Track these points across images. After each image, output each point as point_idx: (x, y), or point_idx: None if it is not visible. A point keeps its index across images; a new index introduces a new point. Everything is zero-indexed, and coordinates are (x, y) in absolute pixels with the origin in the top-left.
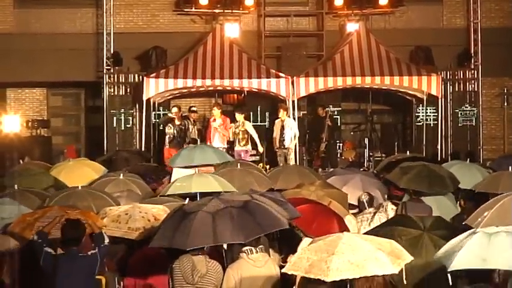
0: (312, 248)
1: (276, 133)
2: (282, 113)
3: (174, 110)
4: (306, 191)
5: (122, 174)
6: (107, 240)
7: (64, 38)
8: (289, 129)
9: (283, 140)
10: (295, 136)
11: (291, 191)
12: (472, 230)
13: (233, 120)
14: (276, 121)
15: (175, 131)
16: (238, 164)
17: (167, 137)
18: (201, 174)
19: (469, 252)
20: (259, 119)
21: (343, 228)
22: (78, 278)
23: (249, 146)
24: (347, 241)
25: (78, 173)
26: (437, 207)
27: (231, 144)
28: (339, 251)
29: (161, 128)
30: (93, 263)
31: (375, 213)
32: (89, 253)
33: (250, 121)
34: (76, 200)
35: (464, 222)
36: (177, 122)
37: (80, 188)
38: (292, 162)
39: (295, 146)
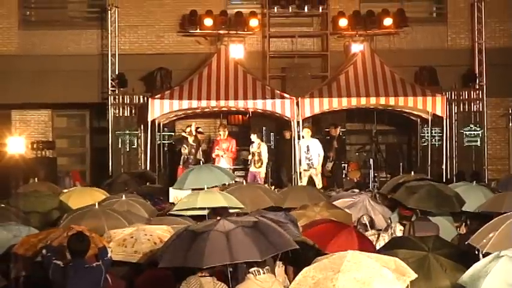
0: (316, 267)
1: (301, 154)
2: (306, 134)
3: (189, 129)
4: (310, 211)
5: (123, 196)
6: (109, 254)
7: (69, 59)
8: (315, 149)
9: (311, 160)
10: (319, 156)
11: (295, 212)
12: (495, 254)
13: (242, 141)
14: (300, 142)
15: (190, 150)
16: (244, 182)
17: (182, 157)
18: (208, 191)
19: (495, 277)
20: (264, 139)
21: (367, 246)
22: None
23: (263, 169)
24: (352, 259)
25: (86, 197)
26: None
27: (244, 164)
28: (344, 269)
29: (166, 149)
30: (99, 274)
31: (379, 235)
32: (94, 265)
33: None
34: (90, 218)
35: (468, 241)
36: (190, 141)
37: (96, 206)
38: (320, 183)
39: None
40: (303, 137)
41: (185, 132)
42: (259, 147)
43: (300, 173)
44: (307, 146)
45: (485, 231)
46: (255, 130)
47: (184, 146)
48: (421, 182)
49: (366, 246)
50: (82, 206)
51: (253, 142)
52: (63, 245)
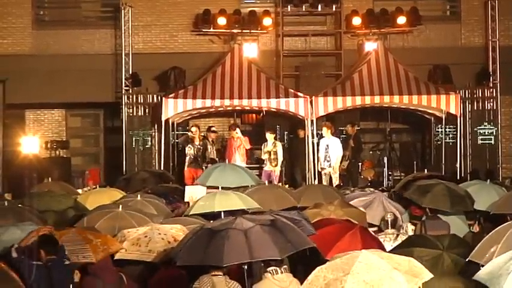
0: (329, 266)
1: (321, 152)
2: (326, 132)
3: (193, 129)
4: (325, 210)
5: (139, 195)
6: (66, 254)
7: (82, 59)
8: (334, 148)
9: (329, 159)
10: (337, 156)
11: (309, 211)
12: None
13: (256, 140)
14: (321, 140)
15: (194, 152)
16: (266, 182)
17: (187, 158)
18: (224, 192)
19: None
20: (278, 138)
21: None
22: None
23: (278, 168)
24: (364, 260)
25: (104, 197)
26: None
27: (259, 163)
28: (354, 270)
29: (180, 149)
30: (72, 271)
31: (397, 235)
32: (66, 262)
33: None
34: (107, 220)
35: (469, 258)
36: (196, 142)
37: (120, 209)
38: (337, 182)
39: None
40: (321, 136)
41: (191, 132)
42: (274, 145)
43: (319, 172)
44: (327, 145)
45: (487, 246)
46: (270, 128)
47: (190, 146)
48: (431, 181)
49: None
50: (99, 205)
51: (267, 141)
52: (32, 245)
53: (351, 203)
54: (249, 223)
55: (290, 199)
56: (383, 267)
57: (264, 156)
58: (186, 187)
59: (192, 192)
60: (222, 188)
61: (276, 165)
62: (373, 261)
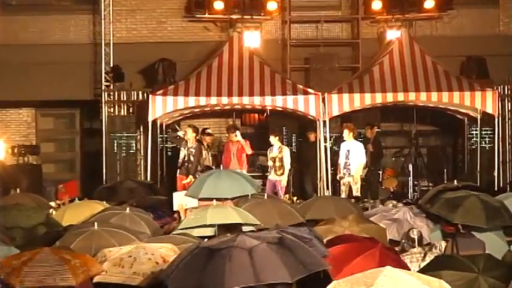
0: (347, 281)
1: (341, 159)
2: (347, 135)
3: (189, 132)
4: (338, 227)
5: (127, 209)
6: None
7: (55, 49)
8: (356, 154)
9: (349, 166)
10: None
11: (320, 227)
12: None
13: (258, 144)
14: (341, 145)
15: (185, 155)
16: (266, 195)
17: (179, 161)
18: (218, 205)
19: None
20: (284, 142)
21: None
22: None
23: (285, 177)
24: (389, 274)
25: (84, 211)
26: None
27: (263, 171)
28: (378, 283)
29: (170, 154)
30: None
31: (425, 254)
32: None
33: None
34: (83, 239)
35: None
36: (189, 145)
37: (96, 226)
38: (358, 192)
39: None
40: (339, 139)
41: (183, 132)
42: (280, 151)
43: (337, 183)
44: (348, 151)
45: None
46: (275, 131)
47: (182, 148)
48: (461, 192)
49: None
50: (80, 222)
51: (272, 145)
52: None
53: (371, 218)
54: (254, 241)
55: (296, 215)
56: (412, 283)
57: (269, 163)
58: (174, 194)
59: (181, 199)
60: (218, 199)
61: (282, 174)
62: (399, 275)
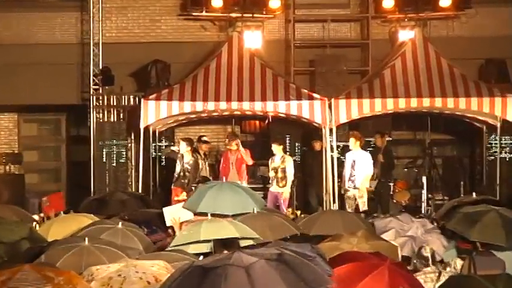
0: None
1: (346, 170)
2: (354, 144)
3: (183, 146)
4: (345, 243)
5: (120, 223)
6: None
7: (40, 49)
8: (362, 164)
9: (354, 178)
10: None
11: (326, 244)
12: None
13: (260, 154)
14: (347, 154)
15: (181, 170)
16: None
17: (175, 174)
18: (214, 219)
19: None
20: (287, 152)
21: None
22: None
23: (287, 189)
24: None
25: (72, 225)
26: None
27: (263, 183)
28: None
29: (164, 164)
30: None
31: (439, 273)
32: None
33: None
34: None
35: None
36: (185, 159)
37: (86, 242)
38: (365, 207)
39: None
40: (344, 149)
41: (174, 147)
42: (283, 161)
43: (342, 196)
44: (354, 161)
45: None
46: (277, 139)
47: (178, 162)
48: (480, 207)
49: None
50: (66, 236)
51: (274, 155)
52: None
53: (383, 235)
54: (251, 258)
55: (290, 227)
56: None
57: (270, 174)
58: (164, 210)
59: (174, 213)
60: (217, 215)
61: (284, 186)
62: None
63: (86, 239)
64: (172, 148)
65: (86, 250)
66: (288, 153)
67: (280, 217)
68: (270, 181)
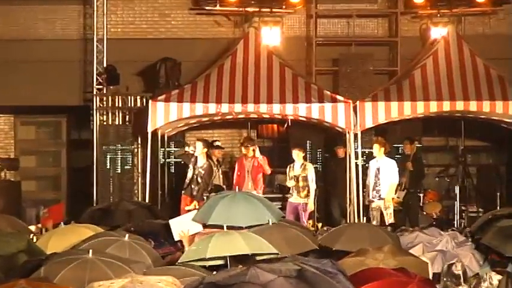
0: None
1: (370, 179)
2: (378, 151)
3: (199, 147)
4: (371, 259)
5: (127, 235)
6: None
7: (39, 46)
8: (387, 173)
9: (379, 188)
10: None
11: (350, 259)
12: None
13: (278, 161)
14: (371, 162)
15: (194, 175)
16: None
17: (186, 181)
18: (225, 232)
19: None
20: (308, 158)
21: None
22: None
23: (311, 200)
24: None
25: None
26: None
27: (282, 192)
28: None
29: (172, 171)
30: None
31: None
32: None
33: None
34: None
35: None
36: (199, 163)
37: (90, 254)
38: (391, 219)
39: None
40: (370, 155)
41: (189, 148)
42: (303, 169)
43: (367, 207)
44: (378, 169)
45: None
46: (298, 145)
47: (190, 166)
48: None
49: None
50: (67, 248)
51: (293, 162)
52: None
53: (410, 251)
54: (268, 275)
55: (308, 242)
56: None
57: (290, 184)
58: (170, 222)
59: (182, 225)
60: (230, 228)
61: (306, 196)
62: None
63: (90, 251)
64: (186, 149)
65: (90, 263)
66: (308, 160)
67: (298, 230)
68: (290, 191)
